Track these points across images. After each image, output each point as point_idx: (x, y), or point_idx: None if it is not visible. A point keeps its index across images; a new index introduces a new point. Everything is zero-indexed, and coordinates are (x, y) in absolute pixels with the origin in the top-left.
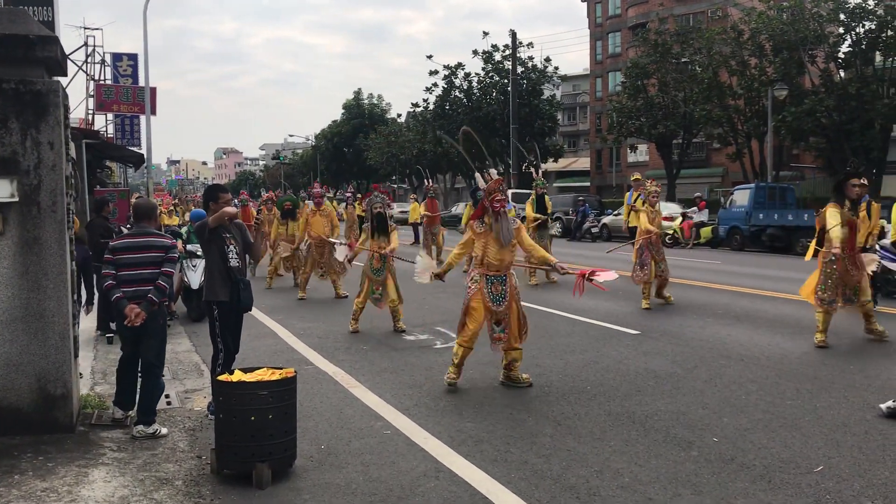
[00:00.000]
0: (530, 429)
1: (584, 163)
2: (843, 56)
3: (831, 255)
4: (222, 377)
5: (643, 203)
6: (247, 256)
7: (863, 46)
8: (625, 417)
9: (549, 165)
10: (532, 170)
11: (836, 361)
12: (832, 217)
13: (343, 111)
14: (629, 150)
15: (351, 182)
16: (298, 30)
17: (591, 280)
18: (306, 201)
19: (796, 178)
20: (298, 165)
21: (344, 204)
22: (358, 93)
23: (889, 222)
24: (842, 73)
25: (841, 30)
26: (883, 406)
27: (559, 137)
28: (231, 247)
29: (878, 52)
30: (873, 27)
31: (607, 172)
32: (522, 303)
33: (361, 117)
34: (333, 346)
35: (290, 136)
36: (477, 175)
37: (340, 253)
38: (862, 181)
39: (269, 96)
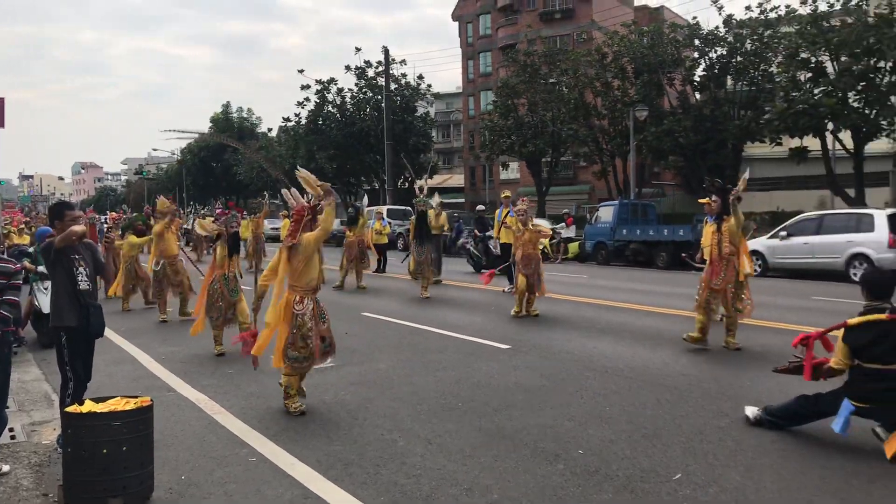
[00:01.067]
0: (401, 449)
1: (458, 179)
2: (698, 79)
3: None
4: (71, 408)
5: (515, 220)
6: (98, 278)
7: (716, 71)
8: (495, 433)
9: (425, 182)
10: (416, 188)
11: (693, 372)
12: (705, 234)
13: (211, 125)
14: (501, 168)
15: (219, 198)
16: (164, 41)
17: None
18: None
19: (657, 195)
20: (163, 181)
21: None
22: (227, 106)
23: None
24: (697, 96)
25: (696, 54)
26: (749, 414)
27: (434, 154)
28: (80, 268)
29: (729, 77)
30: (724, 52)
31: (481, 189)
32: (392, 319)
33: (231, 131)
34: (197, 370)
35: (155, 150)
36: (285, 192)
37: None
38: (705, 200)
39: (133, 109)
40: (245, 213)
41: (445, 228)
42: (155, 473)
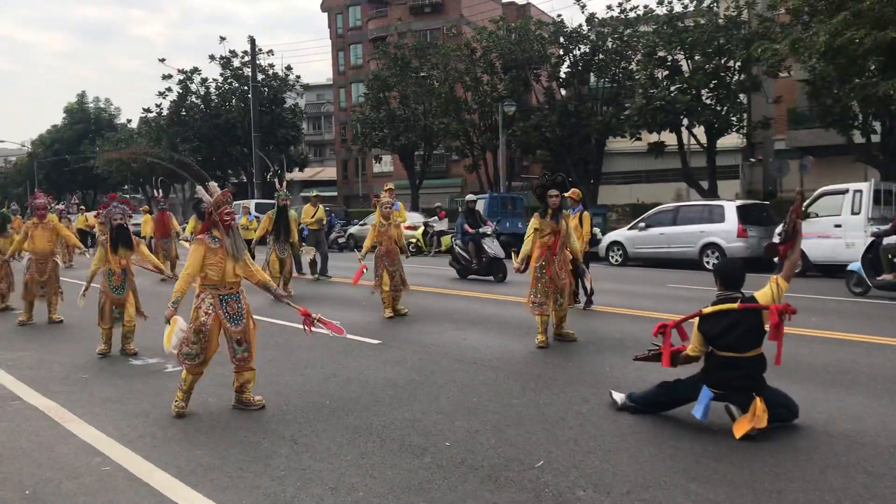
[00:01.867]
0: (265, 451)
1: (330, 172)
2: (563, 76)
3: (541, 262)
4: None
5: (378, 214)
6: None
7: (579, 67)
8: (363, 430)
9: (295, 175)
10: (275, 180)
11: (556, 360)
12: (529, 229)
13: (65, 115)
14: (374, 161)
15: (75, 192)
16: (10, 25)
17: (321, 322)
18: (16, 214)
19: (526, 188)
20: (12, 175)
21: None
22: (82, 95)
23: (602, 229)
24: (563, 92)
25: (561, 52)
26: (617, 399)
27: (304, 147)
28: None
29: (591, 74)
30: (587, 50)
31: (354, 182)
32: (259, 318)
33: (87, 122)
34: (48, 376)
35: (1, 141)
36: (199, 188)
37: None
38: (570, 192)
39: None
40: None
41: (324, 222)
42: None
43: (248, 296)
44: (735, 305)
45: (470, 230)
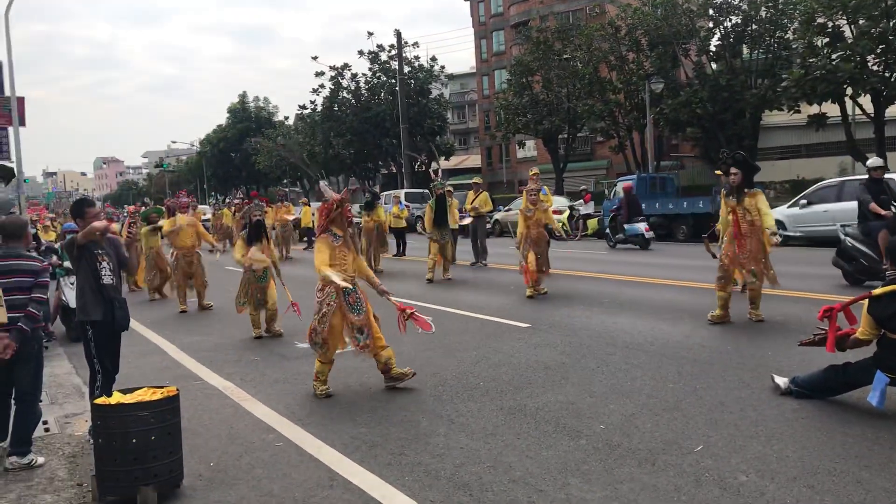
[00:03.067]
0: (424, 430)
1: (475, 160)
2: (713, 49)
3: (725, 240)
4: (100, 400)
5: (525, 199)
6: (122, 273)
7: (731, 40)
8: (516, 411)
9: (441, 164)
10: (431, 171)
11: (714, 343)
12: (722, 209)
13: (228, 115)
14: (518, 146)
15: (239, 187)
16: (177, 32)
17: (412, 318)
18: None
19: (676, 168)
20: (184, 172)
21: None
22: (243, 96)
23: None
24: (713, 66)
25: (710, 24)
26: (781, 383)
27: (450, 135)
28: (104, 263)
29: (744, 45)
30: (739, 21)
31: (498, 168)
32: (413, 302)
33: (248, 121)
34: (223, 359)
35: (174, 142)
36: (322, 184)
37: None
38: (732, 170)
39: (150, 102)
40: (268, 201)
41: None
42: (184, 461)
43: (404, 283)
44: None
45: (881, 212)
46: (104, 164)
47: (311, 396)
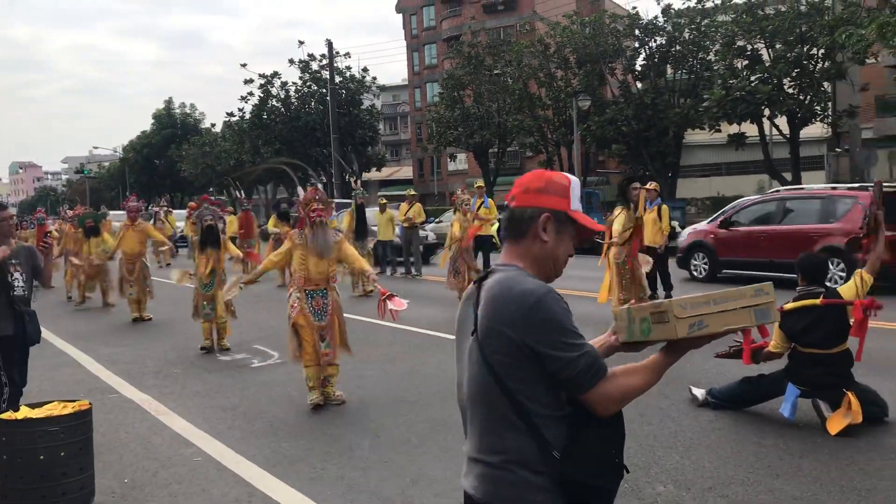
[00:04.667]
0: (348, 443)
1: (407, 171)
2: (639, 69)
3: (623, 257)
4: (5, 415)
5: (455, 212)
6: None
7: (655, 60)
8: (442, 424)
9: (373, 174)
10: (351, 180)
11: (634, 354)
12: (617, 222)
13: (153, 121)
14: (449, 159)
15: (164, 195)
16: (103, 35)
17: (387, 301)
18: (107, 218)
19: (602, 183)
20: (105, 179)
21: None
22: (169, 102)
23: (681, 223)
24: (638, 85)
25: (636, 44)
26: (698, 394)
27: (382, 147)
28: (16, 274)
29: (668, 66)
30: (663, 42)
31: (429, 181)
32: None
33: (173, 127)
34: (142, 371)
35: (96, 147)
36: (299, 189)
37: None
38: (648, 185)
39: (72, 106)
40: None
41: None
42: (96, 478)
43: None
44: (818, 301)
45: None
46: (20, 168)
47: (231, 410)
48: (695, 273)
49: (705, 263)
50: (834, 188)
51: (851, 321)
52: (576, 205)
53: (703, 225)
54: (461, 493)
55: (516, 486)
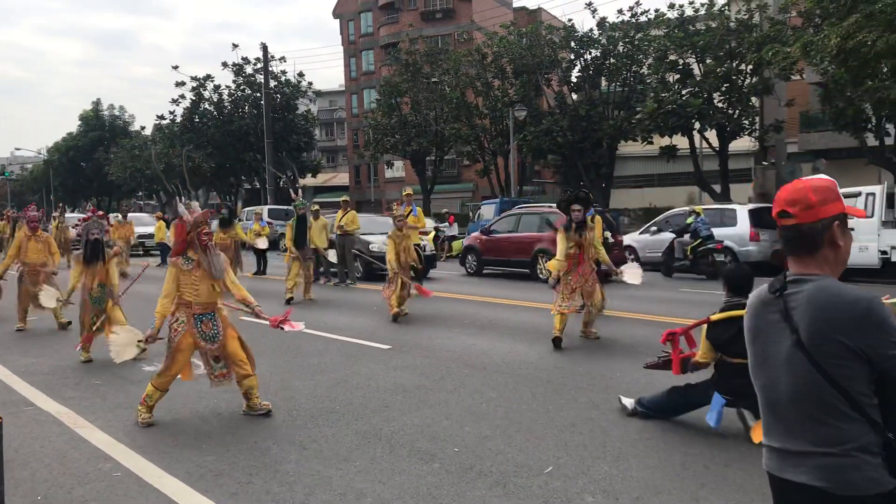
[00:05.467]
0: (275, 456)
1: (343, 178)
2: (574, 80)
3: (567, 272)
4: None
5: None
6: None
7: (590, 72)
8: (372, 435)
9: (308, 181)
10: (291, 190)
11: (566, 365)
12: (560, 243)
13: (80, 123)
14: (386, 166)
15: (90, 199)
16: (26, 33)
17: (282, 327)
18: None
19: (538, 193)
20: (28, 181)
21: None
22: (97, 103)
23: (610, 231)
24: (574, 96)
25: (572, 56)
26: (627, 404)
27: (317, 152)
28: None
29: (603, 78)
30: (598, 54)
31: (366, 188)
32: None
33: (101, 129)
34: (61, 382)
35: (18, 149)
36: (181, 204)
37: (47, 298)
38: (576, 207)
39: None
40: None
41: (355, 228)
42: (7, 495)
43: (263, 302)
44: (743, 312)
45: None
46: None
47: (154, 422)
48: (469, 270)
49: (474, 262)
50: (550, 207)
51: None
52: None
53: (634, 236)
54: None
55: (860, 469)
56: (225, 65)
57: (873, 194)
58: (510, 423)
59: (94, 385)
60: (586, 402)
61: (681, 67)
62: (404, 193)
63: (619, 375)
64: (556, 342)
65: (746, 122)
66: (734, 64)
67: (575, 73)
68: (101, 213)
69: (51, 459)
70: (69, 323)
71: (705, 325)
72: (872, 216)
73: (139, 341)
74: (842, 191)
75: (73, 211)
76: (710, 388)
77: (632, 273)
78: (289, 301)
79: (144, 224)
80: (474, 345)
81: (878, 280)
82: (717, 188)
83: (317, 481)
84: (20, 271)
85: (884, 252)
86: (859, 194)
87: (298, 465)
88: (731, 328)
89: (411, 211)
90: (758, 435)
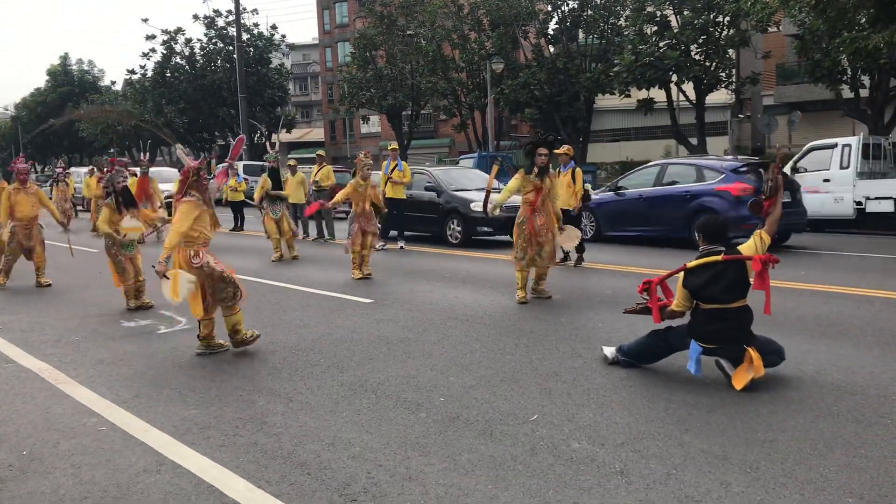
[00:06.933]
0: (261, 409)
1: (318, 133)
2: (551, 32)
3: (522, 218)
4: None
5: (355, 175)
6: None
7: (568, 24)
8: (357, 387)
9: (283, 136)
10: (268, 144)
11: (549, 316)
12: (511, 183)
13: (48, 78)
14: (362, 121)
15: (61, 156)
16: None
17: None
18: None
19: (515, 147)
20: None
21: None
22: (65, 58)
23: (592, 186)
24: (551, 49)
25: (549, 8)
26: (608, 353)
27: (292, 108)
28: None
29: (580, 30)
30: (576, 6)
31: (342, 143)
32: (251, 278)
33: (71, 85)
34: (40, 339)
35: None
36: (178, 149)
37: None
38: (562, 149)
39: None
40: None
41: (328, 183)
42: None
43: (246, 259)
44: (718, 258)
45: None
46: None
47: (137, 378)
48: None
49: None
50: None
51: (752, 279)
52: None
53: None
54: (378, 454)
55: None
56: (196, 17)
57: (849, 145)
58: (494, 373)
59: (73, 342)
60: (569, 352)
61: (658, 19)
62: (390, 147)
63: (600, 325)
64: (522, 303)
65: (723, 74)
66: (711, 15)
67: (552, 26)
68: (123, 160)
69: (34, 415)
70: (49, 284)
71: (681, 274)
72: (848, 167)
73: (189, 281)
74: (818, 142)
75: (43, 169)
76: (687, 333)
77: (567, 236)
78: (277, 260)
79: (165, 180)
80: (456, 297)
81: (852, 231)
82: (694, 141)
83: (304, 432)
84: (12, 227)
85: (858, 203)
86: (835, 145)
87: (285, 417)
88: (705, 273)
89: (396, 165)
90: (739, 381)
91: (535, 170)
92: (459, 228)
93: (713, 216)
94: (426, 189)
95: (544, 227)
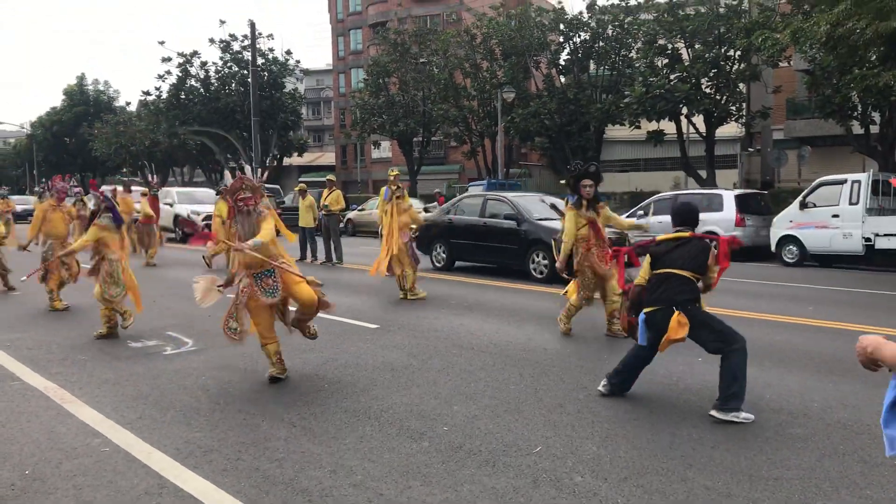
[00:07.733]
0: (264, 433)
1: (329, 157)
2: (563, 63)
3: (581, 256)
4: None
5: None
6: None
7: (579, 55)
8: (361, 413)
9: (294, 160)
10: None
11: (554, 347)
12: (568, 225)
13: (64, 97)
14: (373, 147)
15: (73, 175)
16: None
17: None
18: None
19: (524, 175)
20: (11, 156)
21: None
22: (81, 78)
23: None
24: (562, 79)
25: (561, 39)
26: (601, 386)
27: (304, 131)
28: None
29: (591, 61)
30: (588, 38)
31: (352, 168)
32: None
33: (86, 104)
34: (46, 357)
35: (0, 123)
36: (227, 172)
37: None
38: (587, 182)
39: None
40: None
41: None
42: None
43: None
44: (687, 234)
45: None
46: None
47: (142, 399)
48: None
49: None
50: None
51: (710, 261)
52: None
53: None
54: (379, 482)
55: None
56: (212, 41)
57: (858, 182)
58: (499, 403)
59: (80, 360)
60: (574, 384)
61: (669, 52)
62: (392, 174)
63: (605, 357)
64: (566, 334)
65: (733, 108)
66: (723, 49)
67: (564, 56)
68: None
69: (38, 434)
70: (67, 308)
71: (648, 256)
72: (857, 203)
73: (218, 287)
74: (828, 178)
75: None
76: (637, 306)
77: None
78: None
79: (199, 201)
80: (462, 325)
81: (861, 267)
82: (703, 173)
83: (306, 458)
84: (48, 245)
85: (867, 239)
86: (845, 181)
87: (288, 443)
88: (671, 244)
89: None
90: (663, 345)
91: (584, 203)
92: (546, 262)
93: (687, 202)
94: (505, 218)
95: (602, 260)
